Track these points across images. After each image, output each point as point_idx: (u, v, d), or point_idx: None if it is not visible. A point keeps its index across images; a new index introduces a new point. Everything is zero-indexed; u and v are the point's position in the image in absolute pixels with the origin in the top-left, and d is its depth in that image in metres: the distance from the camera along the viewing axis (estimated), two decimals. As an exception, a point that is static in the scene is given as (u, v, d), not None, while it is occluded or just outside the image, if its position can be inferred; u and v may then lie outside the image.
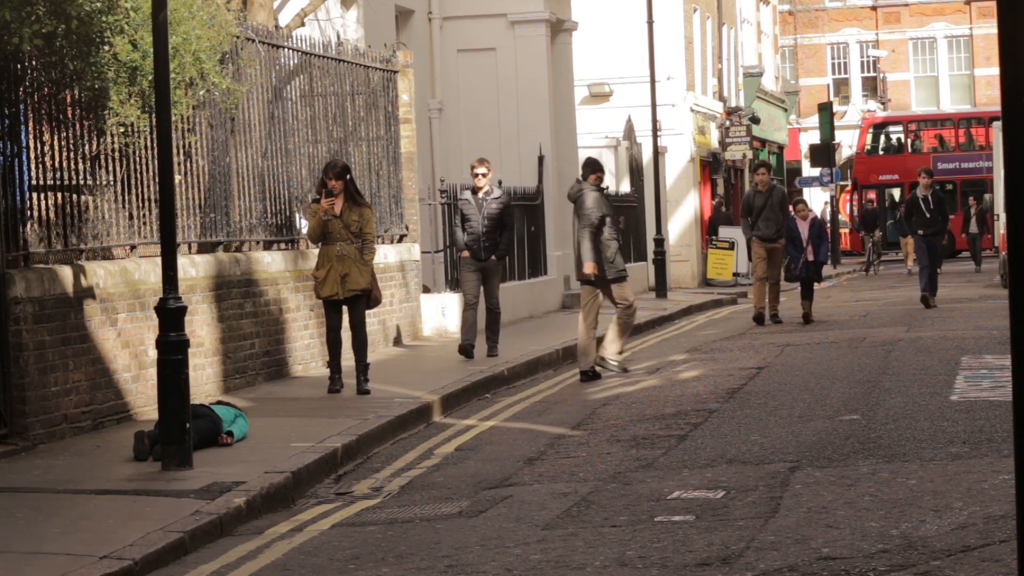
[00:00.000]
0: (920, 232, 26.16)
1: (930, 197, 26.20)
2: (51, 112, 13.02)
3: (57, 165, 13.04)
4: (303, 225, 18.16)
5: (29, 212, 12.56)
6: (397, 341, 20.03)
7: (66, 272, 12.74)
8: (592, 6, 37.12)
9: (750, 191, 24.34)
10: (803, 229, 23.87)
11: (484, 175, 18.02)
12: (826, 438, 11.83)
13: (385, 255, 19.89)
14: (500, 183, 23.61)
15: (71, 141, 13.30)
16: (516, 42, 28.74)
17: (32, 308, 12.15)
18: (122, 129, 13.72)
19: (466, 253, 18.25)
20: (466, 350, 17.92)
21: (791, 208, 23.98)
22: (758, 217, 23.53)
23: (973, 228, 43.74)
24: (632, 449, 11.86)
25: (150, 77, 12.66)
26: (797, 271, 23.87)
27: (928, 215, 26.01)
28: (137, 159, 14.14)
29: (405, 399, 14.50)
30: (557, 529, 9.02)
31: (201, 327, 14.89)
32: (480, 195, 18.08)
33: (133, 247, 14.16)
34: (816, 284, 24.68)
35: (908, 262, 42.84)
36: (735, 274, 36.89)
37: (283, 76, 17.79)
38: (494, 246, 18.17)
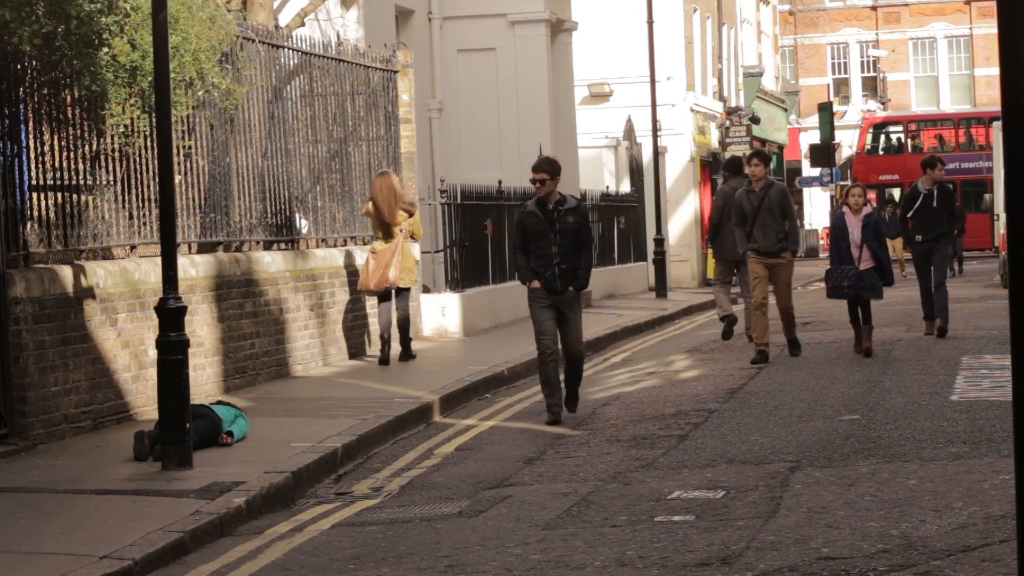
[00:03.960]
0: (919, 238, 19.90)
1: (935, 192, 20.10)
2: (51, 112, 13.02)
3: (57, 165, 13.05)
4: (303, 225, 18.18)
5: (29, 212, 12.56)
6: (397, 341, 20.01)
7: (66, 272, 12.74)
8: (592, 6, 37.14)
9: (741, 191, 18.36)
10: (854, 227, 17.67)
11: (544, 183, 13.71)
12: (826, 438, 11.83)
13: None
14: (500, 183, 23.67)
15: (71, 141, 13.30)
16: (516, 42, 28.75)
17: (32, 308, 12.15)
18: (122, 129, 13.73)
19: (536, 283, 13.76)
20: (554, 413, 13.74)
21: (843, 200, 18.42)
22: (752, 224, 17.88)
23: None
24: (632, 449, 11.86)
25: (150, 77, 12.66)
26: (850, 287, 17.65)
27: (931, 214, 19.90)
28: (137, 159, 14.14)
29: (405, 399, 14.50)
30: (557, 529, 9.03)
31: (201, 327, 14.89)
32: (551, 206, 13.73)
33: (133, 247, 14.16)
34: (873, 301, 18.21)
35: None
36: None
37: (283, 76, 17.79)
38: (571, 271, 13.70)
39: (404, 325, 18.30)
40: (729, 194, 19.68)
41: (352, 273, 18.86)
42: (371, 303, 19.16)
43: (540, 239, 13.66)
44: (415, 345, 20.10)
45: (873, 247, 17.61)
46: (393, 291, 18.14)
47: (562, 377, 13.98)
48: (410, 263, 18.18)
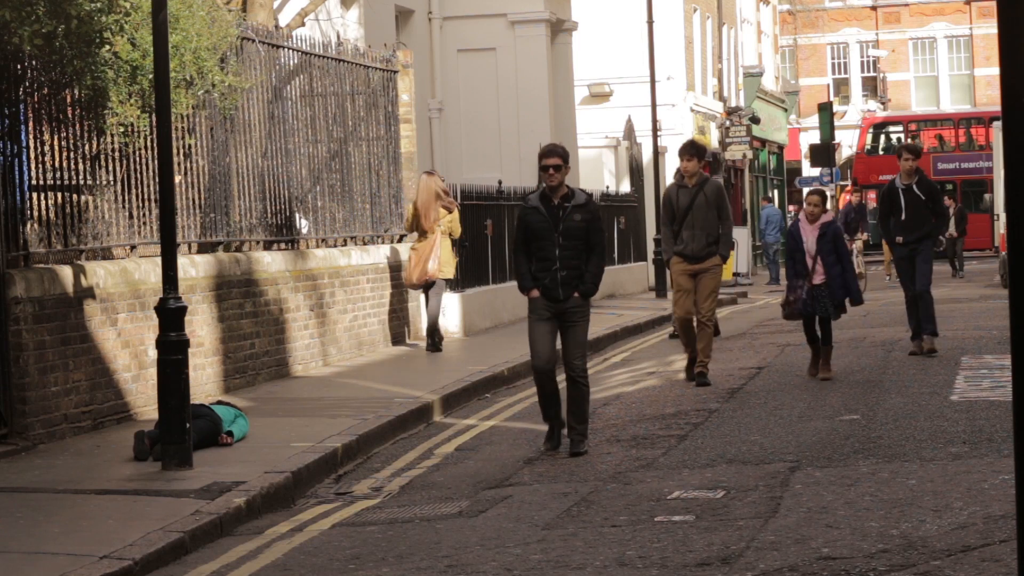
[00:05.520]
0: (899, 240, 17.44)
1: (915, 187, 17.35)
2: (51, 112, 13.03)
3: (57, 165, 13.05)
4: (303, 225, 18.18)
5: (29, 212, 12.56)
6: (397, 341, 20.04)
7: (66, 272, 12.74)
8: (592, 6, 37.15)
9: (671, 186, 16.19)
10: (809, 237, 15.68)
11: (558, 169, 11.77)
12: (826, 438, 11.83)
13: (386, 255, 19.92)
14: (500, 183, 23.67)
15: (71, 141, 13.30)
16: (516, 42, 28.77)
17: (32, 308, 12.15)
18: (122, 129, 13.73)
19: (535, 292, 11.89)
20: (553, 438, 12.08)
21: (802, 205, 16.25)
22: (682, 224, 15.69)
23: (951, 231, 40.16)
24: (632, 449, 11.86)
25: (150, 76, 12.67)
26: (798, 305, 15.69)
27: (913, 213, 17.32)
28: (137, 159, 14.14)
29: (405, 399, 14.50)
30: (557, 529, 9.03)
31: (201, 327, 14.89)
32: (556, 201, 11.84)
33: (133, 247, 14.16)
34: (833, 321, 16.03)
35: (888, 270, 38.62)
36: (735, 274, 36.91)
37: (283, 76, 17.78)
38: (576, 277, 11.82)
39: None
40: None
41: (395, 268, 19.95)
42: (411, 295, 20.44)
43: (543, 239, 11.81)
44: (420, 344, 20.18)
45: (829, 261, 15.54)
46: (432, 283, 19.43)
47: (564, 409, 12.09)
48: (448, 257, 19.41)
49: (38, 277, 12.30)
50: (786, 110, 56.94)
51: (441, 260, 19.27)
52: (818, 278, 15.59)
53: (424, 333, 20.30)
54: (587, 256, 11.86)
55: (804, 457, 11.00)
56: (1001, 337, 18.74)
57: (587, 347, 12.33)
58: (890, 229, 17.55)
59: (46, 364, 12.31)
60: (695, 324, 15.69)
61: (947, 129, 55.16)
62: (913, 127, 55.25)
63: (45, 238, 12.75)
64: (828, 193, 53.04)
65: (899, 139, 54.72)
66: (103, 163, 13.74)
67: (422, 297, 20.25)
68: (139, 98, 13.61)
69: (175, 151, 13.49)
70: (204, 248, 15.71)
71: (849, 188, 54.79)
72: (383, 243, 20.15)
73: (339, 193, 19.17)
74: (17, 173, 12.25)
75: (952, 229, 40.72)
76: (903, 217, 17.33)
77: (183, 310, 11.22)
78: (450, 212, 19.46)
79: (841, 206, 54.19)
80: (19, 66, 12.55)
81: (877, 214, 19.01)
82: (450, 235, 19.46)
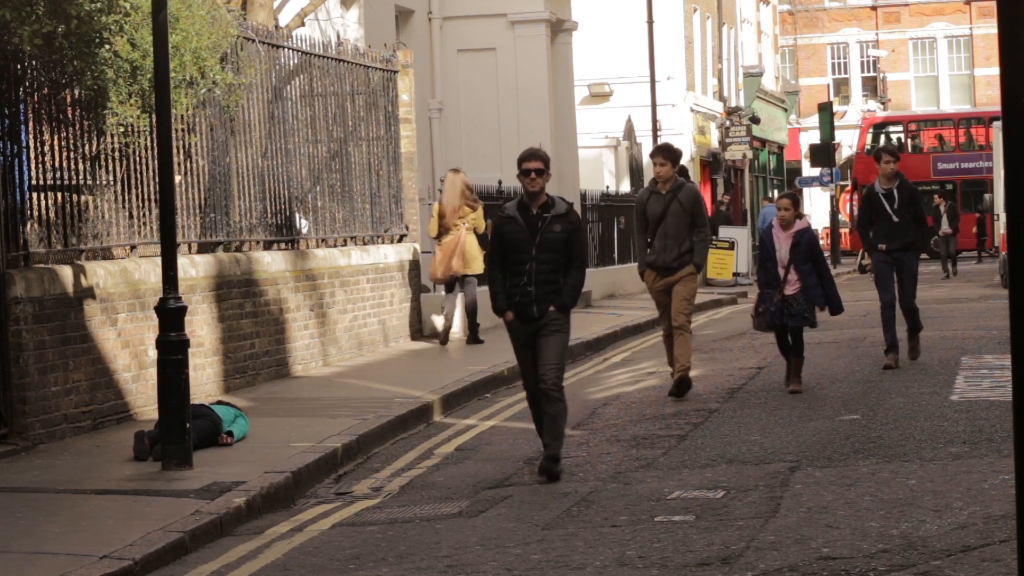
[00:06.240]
0: (882, 247, 16.48)
1: (895, 192, 16.44)
2: (51, 112, 13.03)
3: (57, 165, 13.05)
4: (303, 225, 18.18)
5: (29, 212, 12.56)
6: (397, 341, 20.04)
7: (66, 272, 12.74)
8: (592, 6, 37.16)
9: (643, 192, 15.24)
10: (782, 244, 14.71)
11: (540, 173, 10.91)
12: (826, 438, 11.83)
13: (385, 255, 19.92)
14: (500, 183, 23.66)
15: (71, 141, 13.30)
16: (516, 42, 28.77)
17: (32, 308, 12.15)
18: (122, 129, 13.73)
19: (510, 315, 10.97)
20: (550, 471, 10.82)
21: (781, 208, 14.97)
22: (654, 233, 14.64)
23: (945, 228, 40.74)
24: (632, 449, 11.86)
25: (150, 76, 12.67)
26: (770, 315, 14.69)
27: (894, 219, 16.42)
28: (137, 159, 14.14)
29: (405, 399, 14.50)
30: (557, 529, 9.03)
31: (201, 327, 14.89)
32: (535, 211, 10.94)
33: (133, 247, 14.16)
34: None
35: None
36: (735, 274, 36.91)
37: (283, 76, 17.78)
38: (553, 292, 10.87)
39: (472, 311, 20.17)
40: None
41: (398, 268, 20.28)
42: (425, 292, 21.07)
43: (519, 250, 10.88)
44: (428, 344, 20.16)
45: (805, 270, 14.54)
46: (458, 280, 19.98)
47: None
48: (474, 252, 19.85)
49: (38, 277, 12.30)
50: (786, 110, 56.94)
51: (467, 256, 19.77)
52: (790, 288, 14.57)
53: (429, 332, 20.37)
54: (565, 269, 10.92)
55: (804, 457, 11.01)
56: (1001, 337, 18.73)
57: (564, 361, 11.16)
58: (869, 236, 16.71)
59: (46, 364, 12.31)
60: (674, 331, 14.65)
61: (947, 129, 55.18)
62: (913, 127, 55.27)
63: (45, 238, 12.75)
64: (829, 194, 52.85)
65: (899, 139, 54.75)
66: (103, 163, 13.74)
67: (443, 294, 20.58)
68: (139, 98, 13.61)
69: (175, 151, 13.49)
70: (204, 248, 15.71)
71: (849, 189, 54.83)
72: (383, 243, 20.15)
73: (339, 193, 19.16)
74: (17, 173, 12.25)
75: (945, 226, 40.71)
76: (884, 223, 16.47)
77: (183, 310, 11.23)
78: (474, 210, 19.99)
79: (841, 206, 54.28)
80: (19, 66, 12.55)
81: (857, 220, 18.14)
82: (475, 230, 19.94)
